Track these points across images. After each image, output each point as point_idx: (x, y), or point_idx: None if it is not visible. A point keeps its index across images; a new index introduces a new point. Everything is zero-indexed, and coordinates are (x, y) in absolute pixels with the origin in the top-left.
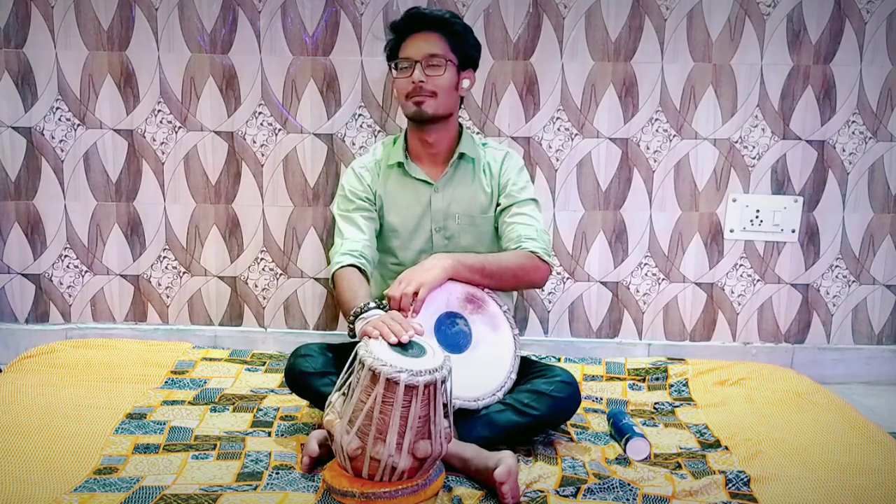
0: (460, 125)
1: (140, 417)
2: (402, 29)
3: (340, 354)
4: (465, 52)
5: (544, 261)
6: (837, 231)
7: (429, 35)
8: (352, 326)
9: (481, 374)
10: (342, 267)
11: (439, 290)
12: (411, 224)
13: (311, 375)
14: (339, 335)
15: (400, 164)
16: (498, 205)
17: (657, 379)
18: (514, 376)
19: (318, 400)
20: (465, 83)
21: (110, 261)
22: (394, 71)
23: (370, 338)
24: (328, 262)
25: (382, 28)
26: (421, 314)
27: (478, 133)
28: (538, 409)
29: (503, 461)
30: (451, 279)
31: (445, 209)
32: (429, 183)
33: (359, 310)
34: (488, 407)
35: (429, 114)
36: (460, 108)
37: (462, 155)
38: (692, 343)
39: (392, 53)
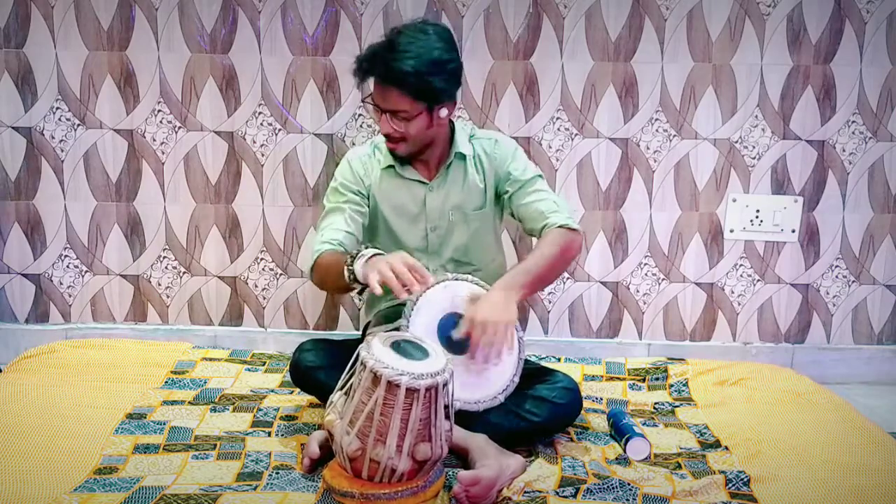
0: (451, 122)
1: (140, 417)
2: (365, 74)
3: (345, 349)
4: (434, 95)
5: (573, 229)
6: (837, 231)
7: (389, 90)
8: (350, 269)
9: (484, 375)
10: (322, 254)
11: (444, 290)
12: (406, 223)
13: (315, 370)
14: (340, 335)
15: (392, 167)
16: (505, 193)
17: (657, 379)
18: (516, 379)
19: (323, 395)
20: (443, 113)
21: (110, 261)
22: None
23: (374, 278)
24: None
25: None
26: (424, 314)
27: (468, 120)
28: (539, 416)
29: (489, 466)
30: (456, 279)
31: (440, 208)
32: (423, 182)
33: (356, 252)
34: (489, 410)
35: (403, 155)
36: (455, 110)
37: (455, 154)
38: (692, 343)
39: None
